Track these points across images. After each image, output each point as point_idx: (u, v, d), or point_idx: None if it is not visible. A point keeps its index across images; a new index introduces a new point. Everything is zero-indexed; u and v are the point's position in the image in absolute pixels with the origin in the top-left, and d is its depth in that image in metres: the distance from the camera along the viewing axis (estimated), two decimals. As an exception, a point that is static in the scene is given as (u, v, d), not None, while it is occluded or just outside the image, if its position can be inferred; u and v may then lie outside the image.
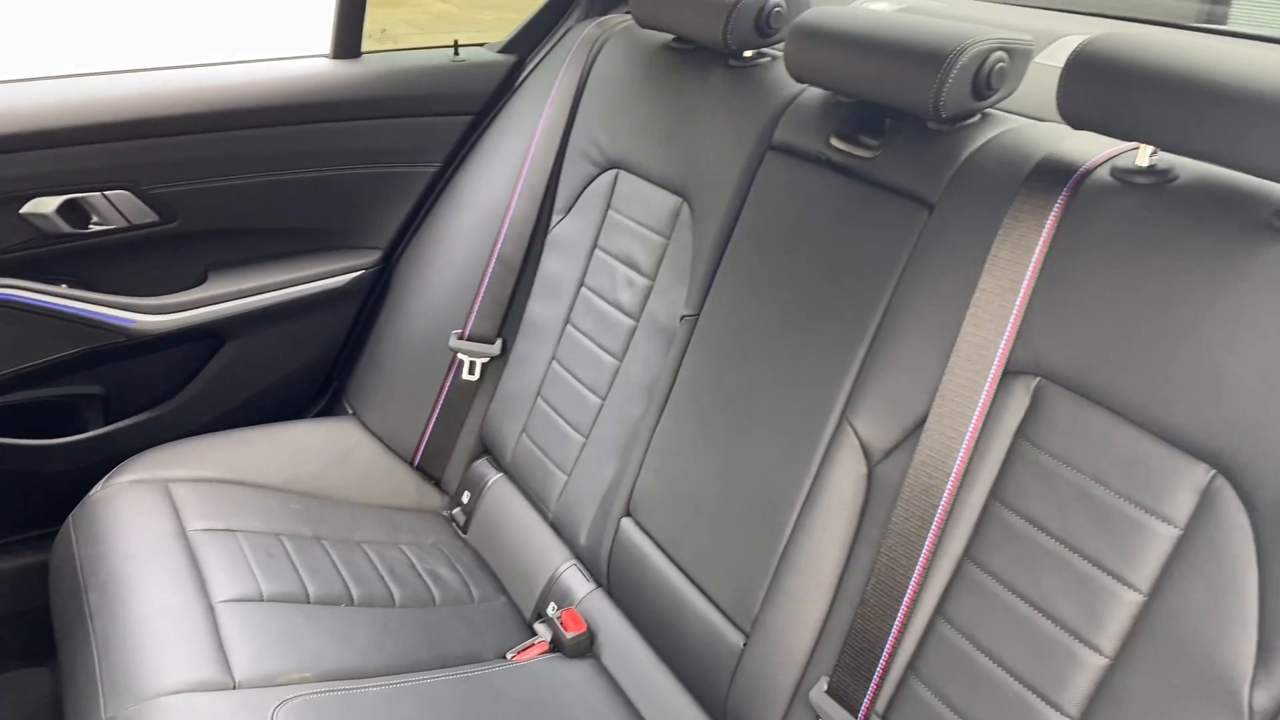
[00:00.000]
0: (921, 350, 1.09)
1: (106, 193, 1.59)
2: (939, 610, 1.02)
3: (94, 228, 1.60)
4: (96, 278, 1.65)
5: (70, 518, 1.49)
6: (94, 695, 1.18)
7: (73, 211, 1.57)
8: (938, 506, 1.02)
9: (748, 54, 1.47)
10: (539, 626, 1.47)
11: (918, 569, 1.02)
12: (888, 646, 1.03)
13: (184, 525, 1.44)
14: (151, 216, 1.64)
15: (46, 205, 1.55)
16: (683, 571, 1.29)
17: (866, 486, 1.11)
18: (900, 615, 1.03)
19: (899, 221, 1.17)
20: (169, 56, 1.70)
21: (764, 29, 1.41)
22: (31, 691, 1.35)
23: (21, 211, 1.52)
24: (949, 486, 1.01)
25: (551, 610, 1.47)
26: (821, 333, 1.20)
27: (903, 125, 1.23)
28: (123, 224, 1.62)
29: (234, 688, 1.19)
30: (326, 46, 1.80)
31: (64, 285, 1.63)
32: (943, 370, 1.05)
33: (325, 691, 1.21)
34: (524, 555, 1.57)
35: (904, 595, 1.02)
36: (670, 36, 1.60)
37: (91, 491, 1.51)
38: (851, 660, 1.06)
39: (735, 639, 1.20)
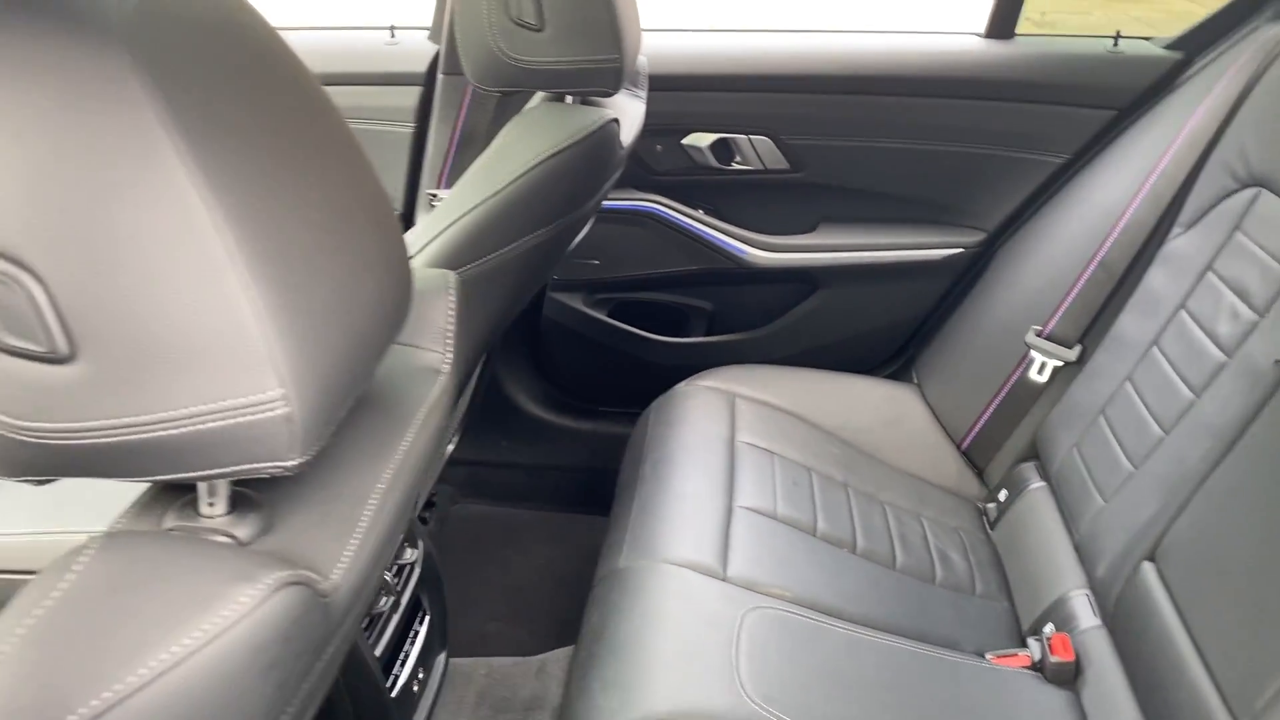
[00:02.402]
0: None
1: (751, 137, 1.80)
2: None
3: (735, 166, 1.84)
4: (727, 210, 1.89)
5: (655, 402, 1.75)
6: (619, 545, 1.41)
7: (722, 149, 1.81)
8: None
9: None
10: (1030, 641, 1.41)
11: None
12: None
13: (735, 435, 1.62)
14: (783, 164, 1.83)
15: (703, 140, 1.81)
16: (1190, 635, 1.15)
17: None
18: None
19: None
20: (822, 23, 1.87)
21: None
22: (598, 534, 1.63)
23: (683, 142, 1.80)
24: None
25: (1048, 630, 1.40)
26: None
27: None
28: (759, 167, 1.83)
29: (723, 579, 1.34)
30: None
31: (701, 211, 1.89)
32: None
33: (797, 614, 1.30)
34: (1040, 569, 1.50)
35: None
36: None
37: (676, 386, 1.77)
38: (1355, 803, 0.88)
39: (1225, 728, 1.05)
